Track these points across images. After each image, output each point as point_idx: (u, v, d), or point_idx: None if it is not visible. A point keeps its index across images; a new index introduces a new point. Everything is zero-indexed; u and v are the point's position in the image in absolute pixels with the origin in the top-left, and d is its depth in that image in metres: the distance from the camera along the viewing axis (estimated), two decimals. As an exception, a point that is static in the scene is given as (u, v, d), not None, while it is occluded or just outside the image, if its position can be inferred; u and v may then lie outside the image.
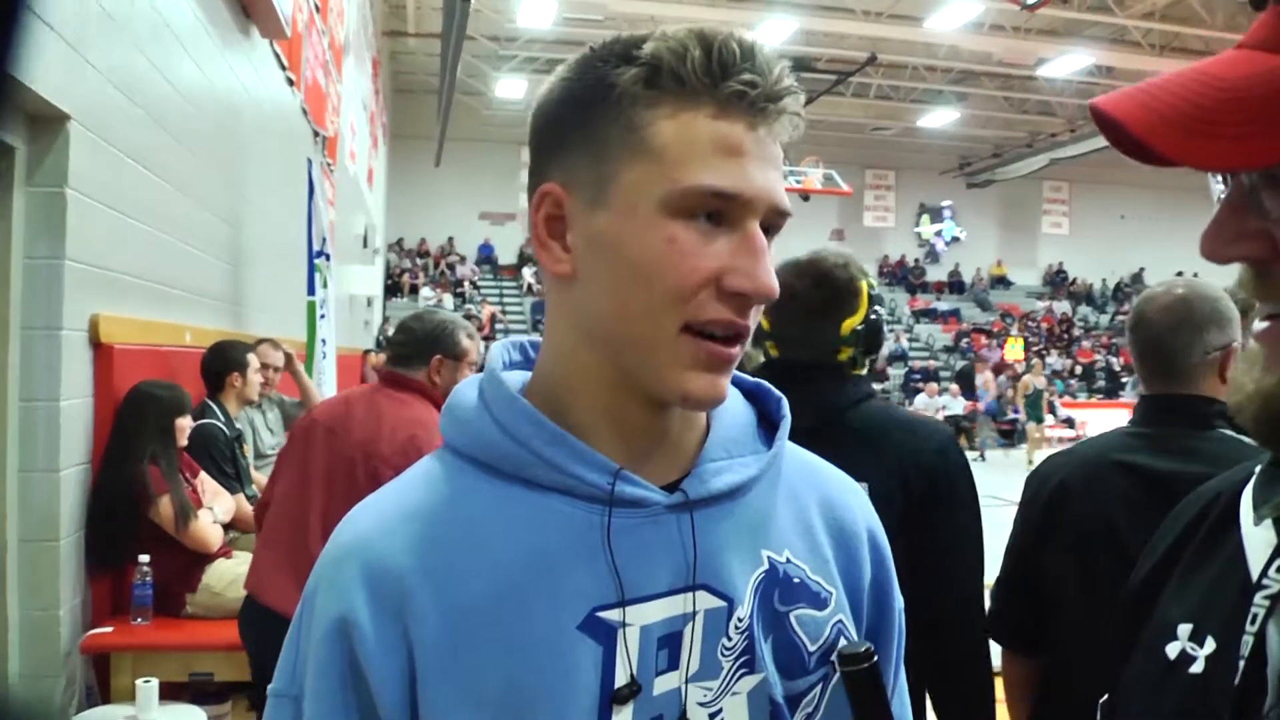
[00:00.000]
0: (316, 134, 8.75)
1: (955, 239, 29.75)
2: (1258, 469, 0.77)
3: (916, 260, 30.04)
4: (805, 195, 22.95)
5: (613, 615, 0.77)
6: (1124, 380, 24.16)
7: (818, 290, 1.91)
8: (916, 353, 25.95)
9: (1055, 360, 24.90)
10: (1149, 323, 1.90)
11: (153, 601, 3.37)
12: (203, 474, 3.83)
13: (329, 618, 0.77)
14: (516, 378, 0.87)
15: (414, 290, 24.35)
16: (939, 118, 23.96)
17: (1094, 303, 30.26)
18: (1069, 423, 21.11)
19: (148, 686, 2.97)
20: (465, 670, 0.75)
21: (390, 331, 2.74)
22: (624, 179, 0.76)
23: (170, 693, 3.12)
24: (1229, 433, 1.81)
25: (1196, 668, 0.71)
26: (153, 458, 3.40)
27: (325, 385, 6.30)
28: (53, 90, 2.83)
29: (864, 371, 1.96)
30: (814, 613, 0.86)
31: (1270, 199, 0.59)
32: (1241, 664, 0.65)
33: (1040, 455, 14.69)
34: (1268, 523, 0.71)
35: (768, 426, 0.92)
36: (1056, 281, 30.62)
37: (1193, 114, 0.56)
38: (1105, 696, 0.93)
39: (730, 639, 0.81)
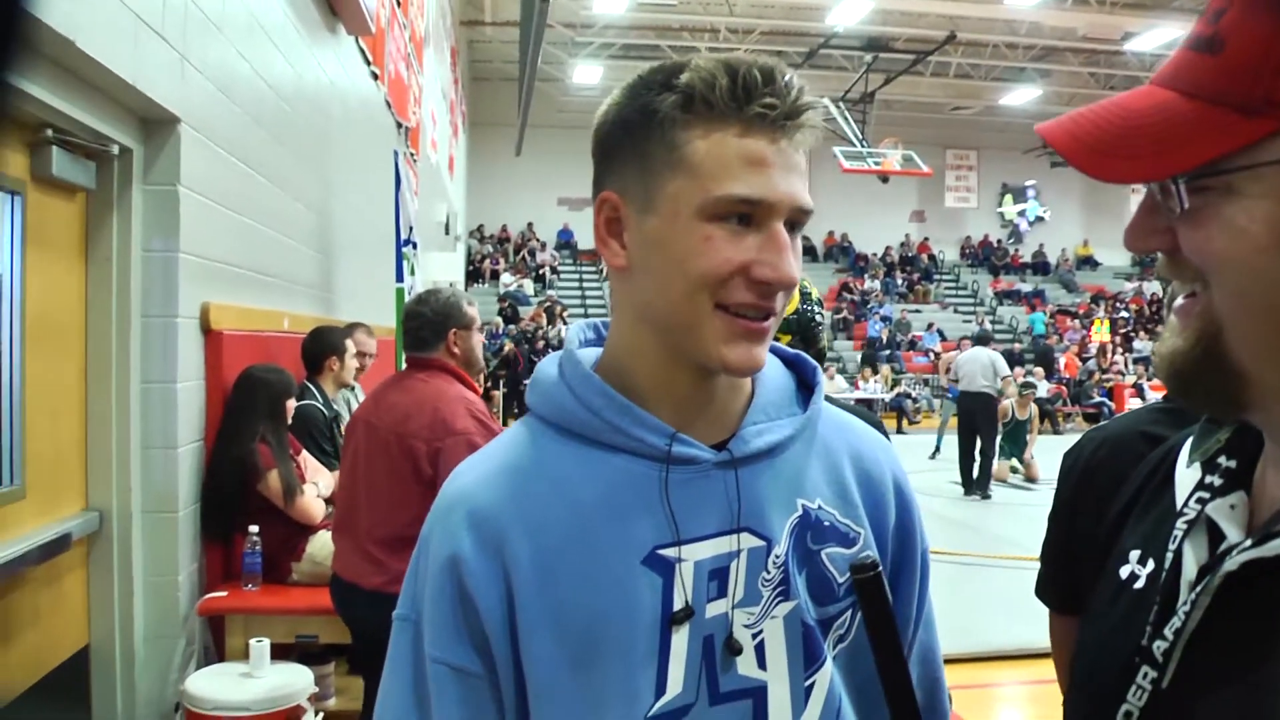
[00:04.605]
0: (400, 125, 9.01)
1: (1039, 219, 29.28)
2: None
3: (999, 241, 29.59)
4: (884, 177, 22.70)
5: (670, 553, 0.93)
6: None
7: None
8: (1001, 335, 25.52)
9: (1143, 344, 24.29)
10: None
11: (261, 569, 3.62)
12: (304, 452, 4.06)
13: (442, 555, 0.94)
14: (590, 354, 1.04)
15: (495, 276, 24.70)
16: (1021, 95, 23.51)
17: (1185, 282, 29.32)
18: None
19: (260, 645, 3.19)
20: (551, 599, 0.92)
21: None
22: (667, 190, 0.91)
23: (278, 653, 3.34)
24: None
25: (1139, 584, 0.86)
26: (262, 436, 3.64)
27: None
28: (163, 94, 3.05)
29: None
30: (843, 550, 1.01)
31: (1166, 203, 0.72)
32: (1163, 576, 0.80)
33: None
34: (1197, 465, 0.86)
35: (807, 391, 1.07)
36: (1146, 262, 29.84)
37: (1103, 139, 0.70)
38: None
39: (769, 572, 0.96)
